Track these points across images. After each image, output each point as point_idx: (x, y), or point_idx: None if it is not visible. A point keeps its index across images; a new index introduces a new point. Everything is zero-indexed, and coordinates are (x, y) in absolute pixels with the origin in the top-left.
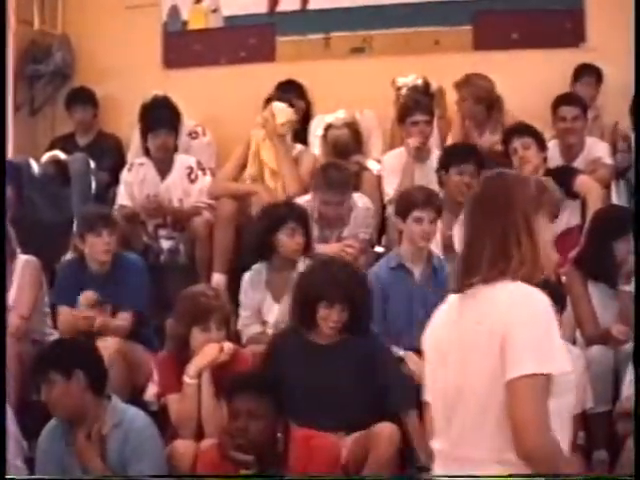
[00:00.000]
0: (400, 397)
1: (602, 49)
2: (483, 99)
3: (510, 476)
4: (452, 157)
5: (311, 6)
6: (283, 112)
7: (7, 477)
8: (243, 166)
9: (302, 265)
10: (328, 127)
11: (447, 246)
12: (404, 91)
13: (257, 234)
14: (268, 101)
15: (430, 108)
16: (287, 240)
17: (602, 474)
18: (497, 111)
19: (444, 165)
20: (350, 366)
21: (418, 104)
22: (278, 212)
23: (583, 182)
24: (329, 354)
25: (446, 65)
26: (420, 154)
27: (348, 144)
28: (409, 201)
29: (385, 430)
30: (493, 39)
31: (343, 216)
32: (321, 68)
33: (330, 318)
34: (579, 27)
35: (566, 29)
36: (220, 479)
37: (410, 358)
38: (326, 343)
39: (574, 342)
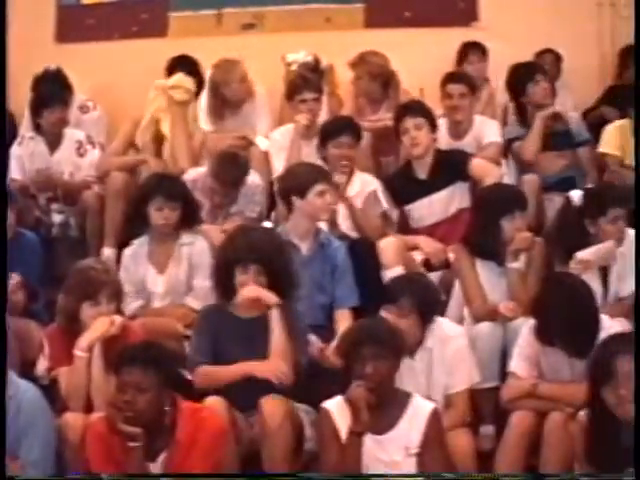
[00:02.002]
0: None
1: (494, 28)
2: (378, 76)
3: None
4: (329, 131)
5: None
6: (183, 82)
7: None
8: (132, 141)
9: (186, 238)
10: None
11: (332, 221)
12: (294, 67)
13: (130, 207)
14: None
15: (319, 85)
16: (155, 214)
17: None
18: (393, 88)
19: (323, 140)
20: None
21: (307, 81)
22: (148, 185)
23: (478, 165)
24: (252, 328)
25: (337, 43)
26: (308, 131)
27: None
28: (307, 176)
29: (268, 403)
30: (385, 17)
31: (231, 201)
32: (213, 44)
33: (247, 284)
34: (471, 6)
35: (459, 8)
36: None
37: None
38: (249, 317)
39: (462, 319)
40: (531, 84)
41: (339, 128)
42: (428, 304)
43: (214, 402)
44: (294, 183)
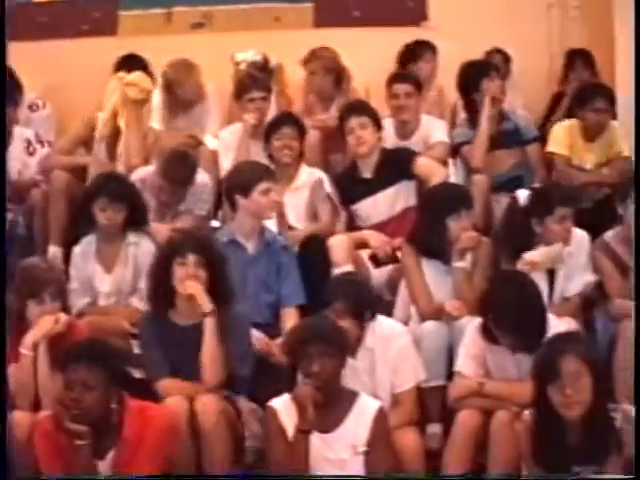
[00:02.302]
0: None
1: (443, 28)
2: (332, 70)
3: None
4: (271, 126)
5: None
6: (141, 80)
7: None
8: (81, 140)
9: (132, 238)
10: None
11: (280, 215)
12: (242, 67)
13: (77, 206)
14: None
15: (267, 85)
16: (99, 214)
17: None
18: (345, 84)
19: (267, 137)
20: None
21: (255, 80)
22: (93, 186)
23: (423, 164)
24: (191, 335)
25: (286, 42)
26: (256, 131)
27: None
28: (251, 174)
29: (204, 402)
30: (334, 16)
31: (179, 199)
32: (162, 43)
33: (186, 278)
34: (421, 6)
35: (408, 7)
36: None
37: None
38: (188, 324)
39: (408, 318)
40: (486, 80)
41: (280, 121)
42: (362, 305)
43: (174, 401)
44: (238, 181)
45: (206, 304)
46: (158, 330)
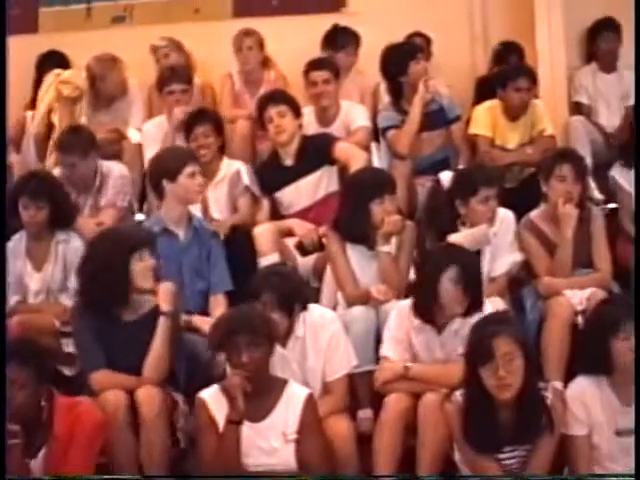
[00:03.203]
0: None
1: (362, 13)
2: (262, 48)
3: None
4: (188, 125)
5: None
6: (74, 78)
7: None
8: (9, 140)
9: (60, 236)
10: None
11: (203, 209)
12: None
13: (5, 204)
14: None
15: (188, 77)
16: (23, 212)
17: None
18: (272, 67)
19: (185, 136)
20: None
21: (174, 73)
22: (17, 184)
23: (343, 149)
24: (132, 331)
25: (206, 33)
26: (180, 124)
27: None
28: (176, 158)
29: (147, 393)
30: (253, 6)
31: (86, 179)
32: (83, 38)
33: (146, 267)
34: None
35: None
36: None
37: (200, 321)
38: (130, 319)
39: (336, 304)
40: (412, 63)
41: (194, 120)
42: (291, 298)
43: (113, 395)
44: (164, 167)
45: (167, 303)
46: (95, 324)
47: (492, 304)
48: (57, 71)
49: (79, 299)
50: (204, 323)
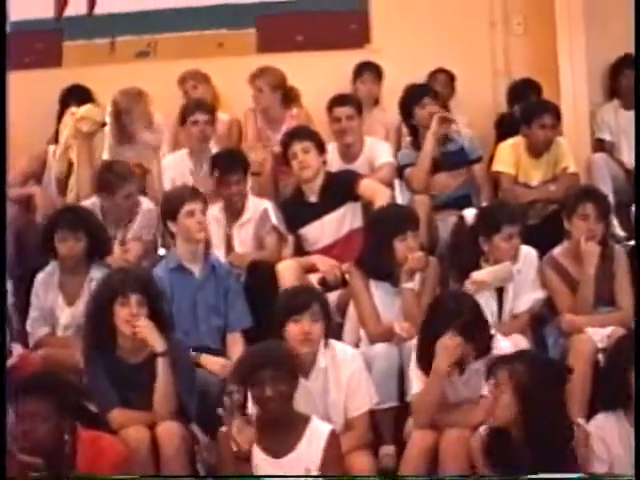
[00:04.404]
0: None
1: (386, 50)
2: (279, 87)
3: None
4: (223, 167)
5: (97, 11)
6: (92, 113)
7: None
8: (31, 174)
9: (96, 270)
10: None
11: (228, 245)
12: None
13: (39, 238)
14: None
15: (211, 108)
16: (59, 245)
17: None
18: (295, 103)
19: (218, 172)
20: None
21: (198, 103)
22: (53, 219)
23: (367, 185)
24: (139, 374)
25: (230, 68)
26: (200, 155)
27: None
28: (176, 197)
29: (167, 428)
30: (277, 42)
31: (125, 213)
32: (107, 72)
33: (130, 318)
34: (364, 28)
35: (351, 30)
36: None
37: (206, 360)
38: (135, 362)
39: (358, 341)
40: (417, 107)
41: (224, 164)
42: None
43: (135, 431)
44: (166, 207)
45: (158, 344)
46: (104, 365)
47: (513, 341)
48: (73, 109)
49: (84, 340)
50: (210, 362)
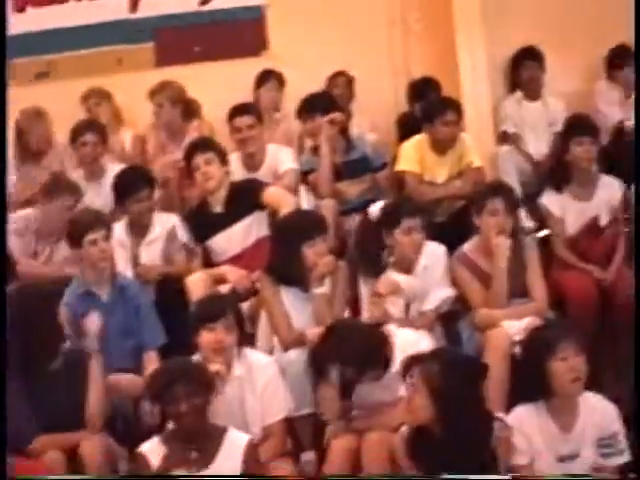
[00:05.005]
0: None
1: (284, 56)
2: (179, 100)
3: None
4: (127, 184)
5: None
6: None
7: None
8: None
9: None
10: None
11: (135, 264)
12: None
13: None
14: None
15: (99, 128)
16: None
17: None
18: (195, 115)
19: (122, 192)
20: None
21: (87, 124)
22: None
23: (272, 193)
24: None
25: (130, 83)
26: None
27: None
28: (79, 225)
29: (86, 445)
30: (175, 54)
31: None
32: (8, 95)
33: None
34: (261, 36)
35: (248, 38)
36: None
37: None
38: (56, 368)
39: (272, 348)
40: (309, 121)
41: (131, 184)
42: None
43: (51, 456)
44: (71, 232)
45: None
46: (21, 385)
47: (416, 338)
48: None
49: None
50: (125, 381)
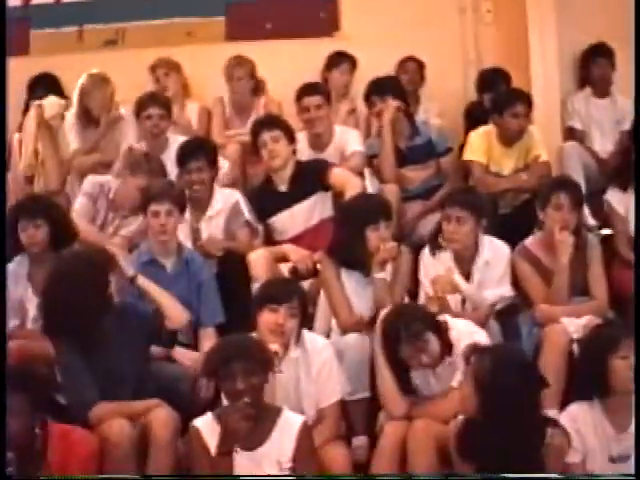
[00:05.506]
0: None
1: (355, 38)
2: (253, 76)
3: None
4: (180, 157)
5: None
6: (53, 105)
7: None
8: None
9: None
10: None
11: (195, 239)
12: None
13: (7, 228)
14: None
15: (166, 102)
16: (22, 235)
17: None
18: (262, 92)
19: (180, 162)
20: None
21: (153, 98)
22: (14, 208)
23: (338, 175)
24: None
25: (199, 56)
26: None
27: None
28: (146, 195)
29: (159, 415)
30: (246, 30)
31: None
32: (74, 61)
33: None
34: (333, 16)
35: (320, 18)
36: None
37: (179, 353)
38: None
39: (329, 331)
40: (379, 101)
41: (188, 152)
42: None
43: (118, 424)
44: (141, 200)
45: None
46: (80, 356)
47: (471, 329)
48: (36, 102)
49: (54, 325)
50: (184, 356)
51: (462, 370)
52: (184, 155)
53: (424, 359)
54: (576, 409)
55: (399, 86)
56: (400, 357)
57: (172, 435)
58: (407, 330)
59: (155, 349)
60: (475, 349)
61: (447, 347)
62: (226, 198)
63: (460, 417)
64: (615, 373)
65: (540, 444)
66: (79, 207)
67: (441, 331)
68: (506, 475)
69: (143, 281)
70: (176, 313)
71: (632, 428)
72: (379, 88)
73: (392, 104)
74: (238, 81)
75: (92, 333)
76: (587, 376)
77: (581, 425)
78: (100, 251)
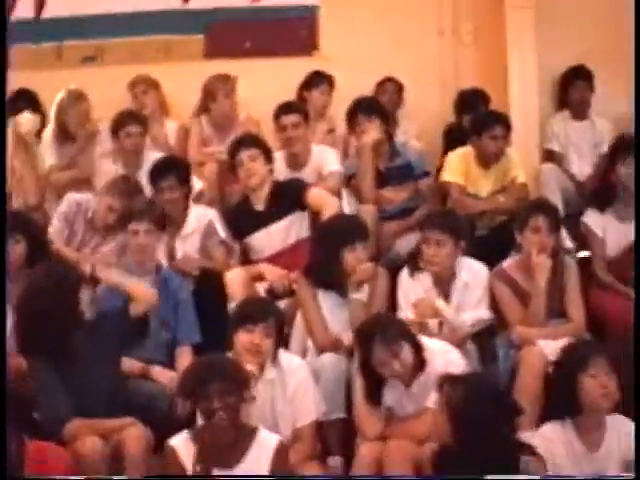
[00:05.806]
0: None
1: (334, 58)
2: (236, 95)
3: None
4: (156, 172)
5: (45, 14)
6: (28, 121)
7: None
8: None
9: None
10: None
11: (171, 257)
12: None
13: None
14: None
15: (143, 118)
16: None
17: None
18: (243, 112)
19: (152, 181)
20: None
21: (131, 115)
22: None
23: (315, 195)
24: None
25: (178, 73)
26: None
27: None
28: (126, 214)
29: (133, 432)
30: (225, 48)
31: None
32: (53, 77)
33: None
34: (312, 36)
35: (299, 38)
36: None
37: (155, 372)
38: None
39: (305, 351)
40: (363, 121)
41: (162, 170)
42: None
43: (91, 442)
44: (120, 220)
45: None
46: (54, 372)
47: (446, 349)
48: (13, 117)
49: (27, 341)
50: (161, 375)
51: (436, 392)
52: (155, 174)
53: (396, 366)
54: (549, 429)
55: (382, 107)
56: (373, 364)
57: (145, 452)
58: (382, 334)
59: (133, 365)
60: (447, 378)
61: (420, 363)
62: (200, 217)
63: (433, 443)
64: (585, 391)
65: (514, 471)
66: (53, 230)
67: (415, 343)
68: (490, 477)
69: (101, 270)
70: (142, 292)
71: (603, 448)
72: (365, 107)
73: (377, 124)
74: (224, 98)
75: (64, 349)
76: (559, 395)
77: (553, 445)
78: (70, 266)
